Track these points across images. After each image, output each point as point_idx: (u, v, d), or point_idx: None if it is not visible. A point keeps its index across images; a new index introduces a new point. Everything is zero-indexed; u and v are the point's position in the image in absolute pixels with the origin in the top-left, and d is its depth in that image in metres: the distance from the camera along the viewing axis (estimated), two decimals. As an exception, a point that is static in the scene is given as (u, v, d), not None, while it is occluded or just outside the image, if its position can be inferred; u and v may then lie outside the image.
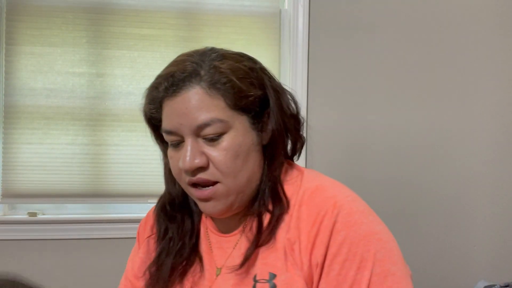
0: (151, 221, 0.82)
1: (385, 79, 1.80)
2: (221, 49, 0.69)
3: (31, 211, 1.70)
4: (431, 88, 1.82)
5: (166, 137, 0.68)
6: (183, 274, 0.73)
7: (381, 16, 1.80)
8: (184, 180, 0.67)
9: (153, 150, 1.72)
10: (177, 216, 0.76)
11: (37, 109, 1.67)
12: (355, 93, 1.77)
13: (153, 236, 0.79)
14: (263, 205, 0.69)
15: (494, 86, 1.85)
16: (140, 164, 1.71)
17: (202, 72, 0.64)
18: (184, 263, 0.73)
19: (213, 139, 0.64)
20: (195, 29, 1.75)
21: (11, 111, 1.66)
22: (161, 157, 0.77)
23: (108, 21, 1.71)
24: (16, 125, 1.66)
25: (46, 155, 1.67)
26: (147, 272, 0.75)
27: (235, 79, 0.64)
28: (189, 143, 0.65)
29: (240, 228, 0.72)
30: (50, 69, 1.68)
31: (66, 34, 1.69)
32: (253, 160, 0.67)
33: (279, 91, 0.70)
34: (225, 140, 0.64)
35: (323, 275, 0.62)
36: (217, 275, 0.71)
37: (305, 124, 0.76)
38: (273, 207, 0.68)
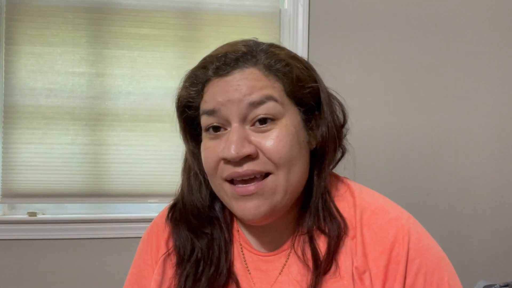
0: (164, 234, 0.69)
1: (385, 79, 1.80)
2: (278, 44, 0.65)
3: (31, 211, 1.70)
4: (431, 88, 1.82)
5: (206, 120, 0.59)
6: None
7: (381, 16, 1.80)
8: (220, 175, 0.58)
9: (153, 150, 1.73)
10: (205, 231, 0.64)
11: (37, 109, 1.67)
12: (355, 93, 1.77)
13: (169, 252, 0.67)
14: (317, 222, 0.60)
15: (495, 86, 1.85)
16: (140, 164, 1.71)
17: (258, 55, 0.59)
18: None
19: (263, 127, 0.56)
20: (195, 29, 1.75)
21: (11, 111, 1.66)
22: (184, 158, 0.68)
23: (108, 21, 1.71)
24: (16, 125, 1.66)
25: (46, 155, 1.67)
26: None
27: (294, 64, 0.59)
28: (235, 128, 0.56)
29: (284, 247, 0.63)
30: (50, 69, 1.68)
31: (66, 34, 1.69)
32: (304, 158, 0.59)
33: (330, 96, 0.65)
34: (277, 128, 0.56)
35: None
36: None
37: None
38: (329, 228, 0.60)
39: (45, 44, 1.67)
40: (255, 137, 0.56)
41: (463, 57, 1.83)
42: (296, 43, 1.73)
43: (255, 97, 0.56)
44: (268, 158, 0.56)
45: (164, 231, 0.70)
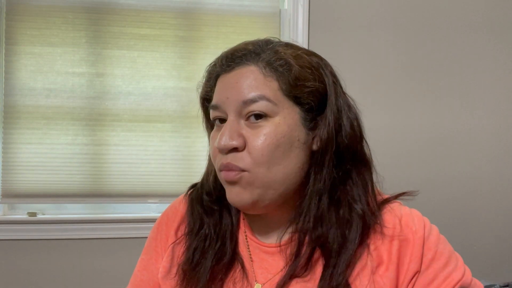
0: (174, 224, 0.74)
1: (385, 79, 1.80)
2: (294, 43, 0.67)
3: (31, 211, 1.70)
4: (431, 87, 1.82)
5: (212, 114, 0.64)
6: (223, 279, 0.66)
7: (381, 16, 1.80)
8: (218, 165, 0.63)
9: (153, 150, 1.73)
10: (215, 210, 0.69)
11: (37, 109, 1.67)
12: (354, 93, 1.77)
13: (178, 241, 0.71)
14: (307, 224, 0.61)
15: (497, 86, 1.85)
16: (140, 164, 1.71)
17: (262, 54, 0.61)
18: (224, 269, 0.67)
19: (255, 122, 0.60)
20: (195, 29, 1.75)
21: (11, 111, 1.66)
22: (208, 146, 0.72)
23: (108, 21, 1.71)
24: (16, 125, 1.66)
25: (46, 155, 1.67)
26: (179, 271, 0.68)
27: (293, 63, 0.60)
28: (229, 121, 0.61)
29: (281, 242, 0.66)
30: (50, 69, 1.68)
31: (66, 34, 1.69)
32: (296, 158, 0.61)
33: (342, 102, 0.65)
34: (268, 126, 0.59)
35: None
36: None
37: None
38: (316, 233, 0.62)
39: (45, 44, 1.68)
40: (246, 131, 0.60)
41: (464, 56, 1.83)
42: (296, 43, 1.73)
43: (248, 96, 0.59)
44: (250, 154, 0.59)
45: (174, 221, 0.74)
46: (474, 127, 1.84)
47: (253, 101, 0.59)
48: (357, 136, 0.66)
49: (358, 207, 0.63)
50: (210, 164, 0.71)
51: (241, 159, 0.60)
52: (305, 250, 0.62)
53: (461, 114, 1.83)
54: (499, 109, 1.85)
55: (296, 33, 1.74)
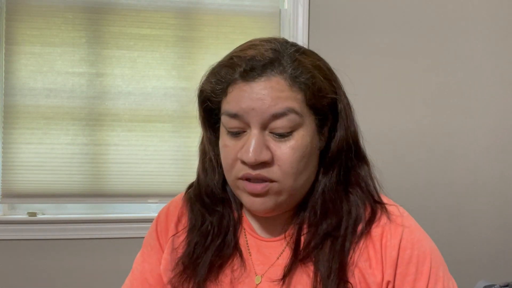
0: (174, 217, 0.75)
1: (385, 79, 1.80)
2: (296, 44, 0.67)
3: (31, 211, 1.70)
4: (431, 87, 1.82)
5: (228, 122, 0.62)
6: (219, 267, 0.68)
7: (381, 16, 1.80)
8: (236, 173, 0.62)
9: (153, 150, 1.73)
10: (217, 209, 0.71)
11: (37, 109, 1.67)
12: (354, 93, 1.76)
13: (178, 234, 0.73)
14: (312, 216, 0.65)
15: (497, 86, 1.85)
16: (140, 164, 1.71)
17: (284, 63, 0.60)
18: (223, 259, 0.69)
19: (283, 135, 0.60)
20: (195, 29, 1.75)
21: (11, 111, 1.66)
22: (200, 141, 0.73)
23: (108, 21, 1.71)
24: (16, 125, 1.66)
25: (46, 155, 1.67)
26: (180, 264, 0.69)
27: (317, 75, 0.62)
28: (255, 134, 0.60)
29: (285, 235, 0.68)
30: (50, 69, 1.68)
31: (66, 34, 1.69)
32: (312, 164, 0.64)
33: (348, 103, 0.68)
34: (295, 139, 0.61)
35: None
36: (257, 284, 0.67)
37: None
38: (319, 224, 0.65)
39: (45, 44, 1.67)
40: (273, 144, 0.61)
41: (464, 56, 1.83)
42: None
43: (277, 109, 0.59)
44: (279, 167, 0.61)
45: (174, 215, 0.75)
46: (476, 127, 1.84)
47: (282, 114, 0.59)
48: (358, 136, 0.70)
49: (362, 198, 0.67)
50: (206, 163, 0.71)
51: (272, 172, 0.61)
52: (310, 238, 0.65)
53: (461, 114, 1.83)
54: (500, 110, 1.85)
55: (296, 33, 1.74)
